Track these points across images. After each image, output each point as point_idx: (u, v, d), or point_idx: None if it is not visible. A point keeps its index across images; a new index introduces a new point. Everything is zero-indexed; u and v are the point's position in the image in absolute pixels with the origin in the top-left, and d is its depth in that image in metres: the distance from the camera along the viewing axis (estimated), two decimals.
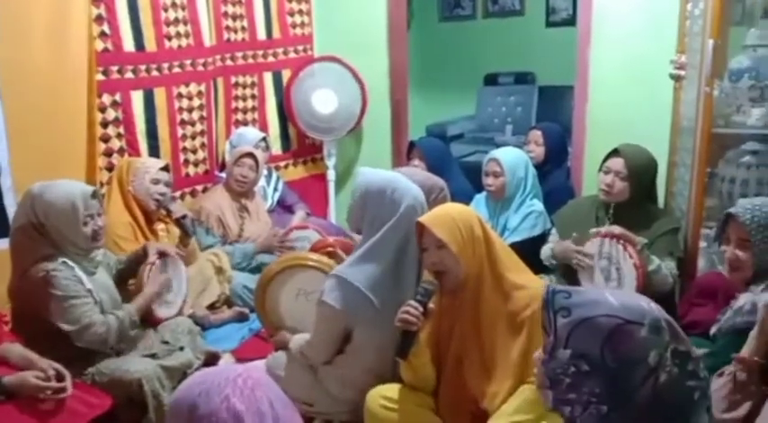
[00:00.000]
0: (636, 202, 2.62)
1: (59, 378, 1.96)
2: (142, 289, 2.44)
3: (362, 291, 2.00)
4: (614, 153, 2.66)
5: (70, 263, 2.18)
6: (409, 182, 2.14)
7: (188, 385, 1.03)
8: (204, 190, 3.57)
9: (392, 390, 1.95)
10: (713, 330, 2.05)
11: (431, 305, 1.79)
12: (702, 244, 2.82)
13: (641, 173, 2.60)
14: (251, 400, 0.98)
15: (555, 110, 5.32)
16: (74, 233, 2.19)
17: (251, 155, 3.38)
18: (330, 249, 2.57)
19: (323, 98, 3.95)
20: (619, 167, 2.61)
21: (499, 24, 6.24)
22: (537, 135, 3.45)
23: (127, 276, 2.55)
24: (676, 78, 2.81)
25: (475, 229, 1.85)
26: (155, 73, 3.25)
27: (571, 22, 5.45)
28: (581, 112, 3.53)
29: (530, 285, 1.85)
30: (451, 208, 1.94)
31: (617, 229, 2.44)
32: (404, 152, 4.14)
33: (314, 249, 2.68)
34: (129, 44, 3.10)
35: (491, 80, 6.31)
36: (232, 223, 3.36)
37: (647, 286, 2.38)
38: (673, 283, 2.53)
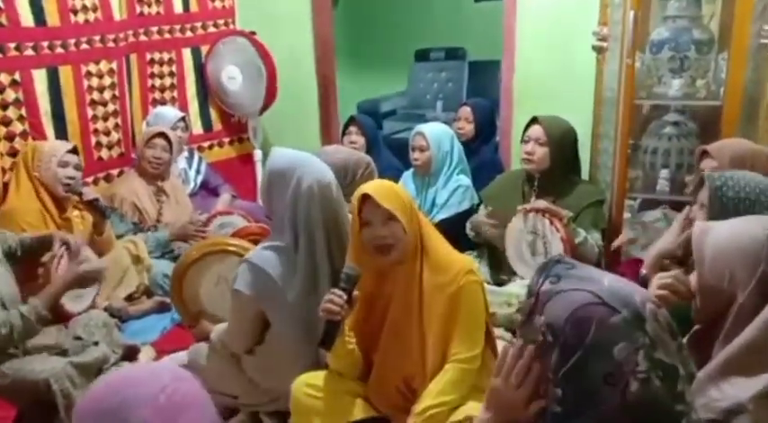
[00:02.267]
0: (558, 171, 2.63)
1: None
2: (50, 282, 2.27)
3: (271, 276, 1.91)
4: (532, 121, 2.69)
5: None
6: (318, 163, 2.04)
7: (99, 393, 0.85)
8: (120, 174, 3.38)
9: (317, 377, 1.88)
10: None
11: (355, 292, 1.71)
12: (626, 215, 2.87)
13: (559, 138, 2.61)
14: None
15: (485, 85, 5.32)
16: None
17: (163, 135, 3.21)
18: (254, 237, 2.46)
19: (230, 75, 3.82)
20: (537, 134, 2.63)
21: None
22: (467, 112, 3.43)
23: (32, 258, 2.35)
24: (599, 50, 2.82)
25: (412, 202, 1.81)
26: (59, 50, 3.02)
27: None
28: (508, 86, 3.51)
29: (454, 259, 1.82)
30: (387, 182, 1.88)
31: (542, 204, 2.45)
32: (333, 129, 4.07)
33: (237, 236, 2.57)
34: (27, 19, 2.87)
35: (422, 56, 6.24)
36: (149, 208, 3.20)
37: (574, 258, 2.39)
38: (598, 255, 2.56)
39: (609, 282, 0.99)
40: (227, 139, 4.10)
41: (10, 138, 2.84)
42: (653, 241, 2.88)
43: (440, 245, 1.84)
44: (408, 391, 1.83)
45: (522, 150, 2.69)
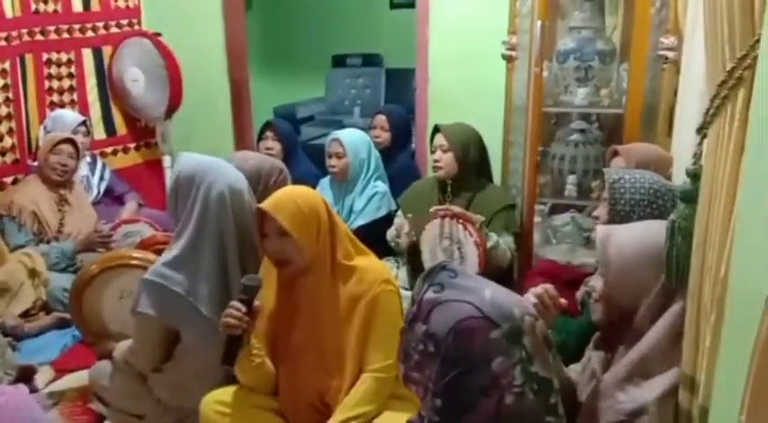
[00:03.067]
0: (467, 175, 2.67)
1: None
2: None
3: (181, 294, 1.83)
4: (435, 131, 2.72)
5: None
6: (229, 168, 1.98)
7: None
8: (14, 182, 3.14)
9: (227, 393, 1.81)
10: (580, 294, 2.10)
11: (256, 302, 1.65)
12: (537, 219, 2.95)
13: (462, 144, 2.65)
14: None
15: (402, 92, 5.35)
16: None
17: (70, 141, 3.03)
18: (159, 247, 2.35)
19: (133, 77, 3.66)
20: (441, 141, 2.67)
21: (344, 3, 6.15)
22: (382, 120, 3.41)
23: None
24: (508, 59, 2.88)
25: (320, 213, 1.74)
26: None
27: (413, 4, 5.48)
28: (423, 93, 3.54)
29: (370, 268, 1.78)
30: (295, 192, 1.80)
31: (456, 209, 2.47)
32: (247, 134, 3.98)
33: (142, 247, 2.45)
34: None
35: (339, 61, 6.22)
36: (50, 218, 3.00)
37: (488, 263, 2.43)
38: (511, 258, 2.61)
39: (491, 293, 0.99)
40: (132, 145, 3.90)
41: None
42: (562, 243, 3.00)
43: (355, 254, 1.81)
44: (323, 406, 1.79)
45: (431, 159, 2.72)
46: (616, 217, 1.77)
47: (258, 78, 4.34)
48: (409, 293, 2.30)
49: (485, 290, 1.00)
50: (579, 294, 2.12)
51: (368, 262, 1.82)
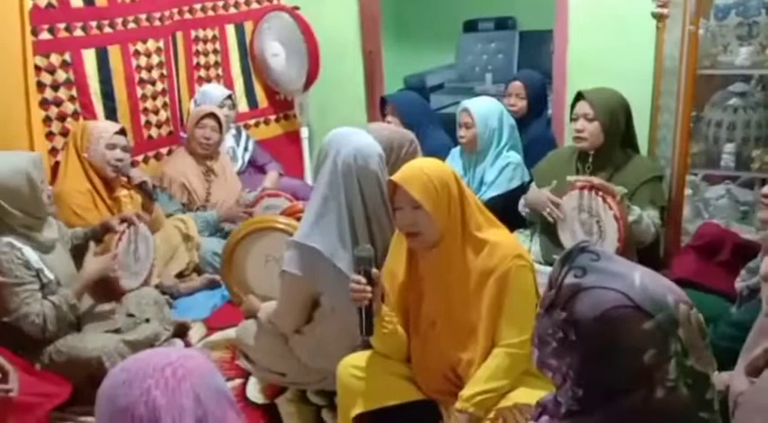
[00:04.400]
0: (613, 147, 2.50)
1: (3, 374, 1.81)
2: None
3: (322, 253, 1.90)
4: (578, 98, 2.55)
5: (17, 243, 2.05)
6: (362, 136, 2.01)
7: (115, 372, 0.93)
8: (169, 152, 3.41)
9: (363, 358, 1.85)
10: (740, 286, 1.93)
11: (374, 271, 1.67)
12: (688, 191, 2.73)
13: (609, 112, 2.47)
14: (175, 393, 0.87)
15: (536, 56, 5.14)
16: (31, 204, 2.08)
17: (213, 115, 3.21)
18: (301, 214, 2.45)
19: (273, 52, 3.78)
20: (585, 110, 2.49)
21: None
22: (518, 87, 3.26)
23: (82, 251, 2.41)
24: (659, 17, 2.66)
25: (450, 186, 1.73)
26: (107, 29, 3.05)
27: None
28: (561, 56, 3.38)
29: (502, 243, 1.74)
30: (425, 164, 1.80)
31: (595, 180, 2.34)
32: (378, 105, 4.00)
33: (285, 214, 2.57)
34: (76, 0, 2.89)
35: (470, 26, 6.07)
36: (198, 188, 3.22)
37: (628, 238, 2.29)
38: (656, 234, 2.44)
39: (640, 279, 0.92)
40: (273, 117, 4.09)
41: (61, 118, 2.89)
42: (715, 218, 2.76)
43: (487, 227, 1.77)
44: (455, 377, 1.79)
45: (572, 128, 2.56)
46: None
47: (389, 48, 4.35)
48: (543, 268, 2.25)
49: (633, 275, 0.92)
50: (739, 285, 1.92)
51: (499, 235, 1.78)
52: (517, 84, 3.28)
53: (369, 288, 1.64)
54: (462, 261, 1.74)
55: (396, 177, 1.72)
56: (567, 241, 2.49)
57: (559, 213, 2.46)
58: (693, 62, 2.46)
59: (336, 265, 1.91)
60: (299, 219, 2.40)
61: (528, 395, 1.67)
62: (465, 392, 1.68)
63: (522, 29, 5.81)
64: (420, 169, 1.74)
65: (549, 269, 2.46)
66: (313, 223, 1.96)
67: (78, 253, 2.39)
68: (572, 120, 2.56)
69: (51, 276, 2.11)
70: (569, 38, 3.30)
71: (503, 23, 5.92)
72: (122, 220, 2.45)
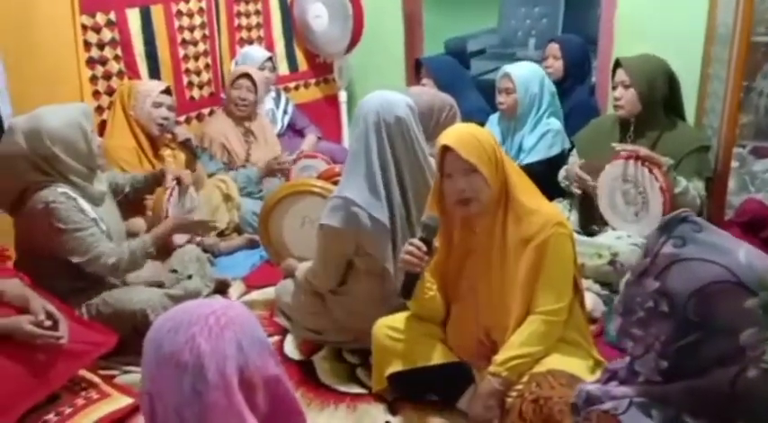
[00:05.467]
0: (653, 115, 2.45)
1: (54, 322, 1.88)
2: (159, 215, 2.41)
3: (358, 203, 1.93)
4: (616, 65, 2.50)
5: (71, 193, 2.12)
6: (384, 97, 2.01)
7: (161, 321, 0.97)
8: (210, 113, 3.45)
9: (398, 320, 1.89)
10: None
11: (435, 243, 1.67)
12: (734, 164, 2.65)
13: (647, 79, 2.41)
14: (218, 340, 0.90)
15: (583, 21, 5.01)
16: (85, 154, 2.14)
17: (247, 75, 3.23)
18: (337, 178, 2.47)
19: (316, 13, 3.76)
20: (622, 77, 2.45)
21: None
22: (554, 49, 3.22)
23: (142, 195, 2.53)
24: None
25: (497, 150, 1.72)
26: None
27: None
28: (608, 21, 3.28)
29: (542, 210, 1.73)
30: (472, 128, 1.78)
31: (642, 151, 2.29)
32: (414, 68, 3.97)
33: (322, 178, 2.59)
34: None
35: None
36: (238, 148, 3.27)
37: (673, 210, 2.25)
38: (700, 206, 2.39)
39: (745, 255, 0.88)
40: (312, 80, 4.09)
41: (107, 77, 2.94)
42: (762, 192, 2.68)
43: (527, 194, 1.76)
44: (488, 342, 1.81)
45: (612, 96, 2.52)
46: None
47: (430, 11, 4.28)
48: (581, 238, 2.22)
49: (738, 250, 0.89)
50: None
51: (540, 203, 1.77)
52: (554, 45, 3.25)
53: (426, 258, 1.66)
54: (503, 227, 1.73)
55: (447, 140, 1.68)
56: (606, 210, 2.46)
57: (591, 183, 2.45)
58: (747, 28, 2.37)
59: (372, 214, 1.93)
60: (335, 182, 2.43)
61: (562, 362, 1.68)
62: (499, 357, 1.71)
63: None
64: (470, 133, 1.72)
65: (585, 239, 2.46)
66: (347, 178, 1.99)
67: (136, 198, 2.51)
68: (612, 87, 2.52)
69: (104, 227, 2.18)
70: (617, 3, 3.20)
71: None
72: (175, 178, 2.50)
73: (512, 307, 1.74)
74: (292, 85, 3.97)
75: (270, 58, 3.51)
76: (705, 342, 0.87)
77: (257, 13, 3.72)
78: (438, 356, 1.83)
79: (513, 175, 1.76)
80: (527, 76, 2.89)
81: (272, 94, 3.61)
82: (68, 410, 1.92)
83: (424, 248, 1.65)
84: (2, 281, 1.96)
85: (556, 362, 1.68)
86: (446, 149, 1.68)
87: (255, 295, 2.64)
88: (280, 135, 3.55)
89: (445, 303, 1.87)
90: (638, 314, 0.93)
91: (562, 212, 2.41)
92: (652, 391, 0.93)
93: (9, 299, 1.91)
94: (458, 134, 1.72)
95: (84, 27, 2.80)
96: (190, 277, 2.45)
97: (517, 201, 1.73)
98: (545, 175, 2.61)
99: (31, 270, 2.10)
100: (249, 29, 3.70)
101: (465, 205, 1.71)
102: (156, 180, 2.51)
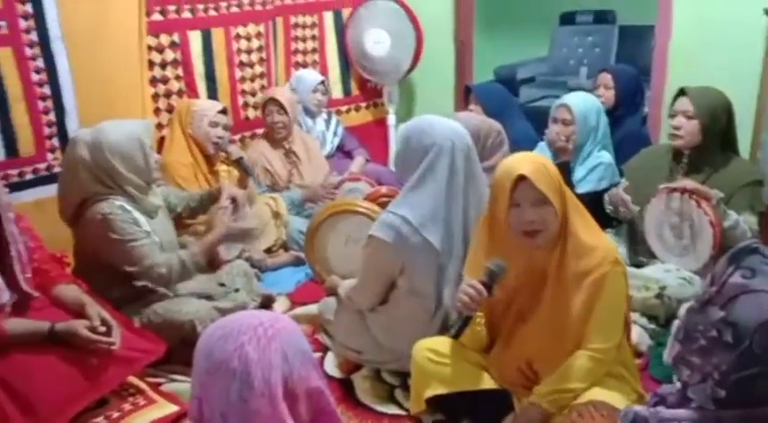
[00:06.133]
0: (711, 148, 2.40)
1: (108, 328, 1.96)
2: (212, 230, 2.48)
3: (415, 226, 1.94)
4: (680, 94, 2.45)
5: (127, 206, 2.21)
6: (443, 123, 2.04)
7: (211, 329, 1.02)
8: (263, 134, 3.55)
9: (439, 342, 1.89)
10: None
11: (495, 289, 1.66)
12: None
13: (711, 111, 2.36)
14: (265, 350, 0.95)
15: (636, 51, 4.96)
16: (142, 168, 2.24)
17: (273, 100, 3.28)
18: (384, 199, 2.51)
19: (375, 39, 3.81)
20: (685, 107, 2.39)
21: None
22: (606, 78, 3.20)
23: (196, 215, 2.62)
24: None
25: (561, 181, 1.71)
26: (212, 12, 3.20)
27: None
28: (662, 52, 3.26)
29: (600, 246, 1.70)
30: (540, 157, 1.77)
31: (689, 184, 2.25)
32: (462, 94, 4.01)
33: (369, 199, 2.64)
34: None
35: (568, 19, 5.93)
36: (280, 170, 3.33)
37: (723, 244, 2.20)
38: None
39: None
40: (363, 104, 4.17)
41: (167, 95, 3.08)
42: None
43: (585, 227, 1.73)
44: (529, 372, 1.79)
45: (669, 124, 2.47)
46: None
47: (481, 38, 4.32)
48: (630, 269, 2.19)
49: None
50: None
51: (597, 237, 1.74)
52: (606, 75, 3.22)
53: (484, 302, 1.65)
54: (560, 260, 1.70)
55: (523, 170, 1.63)
56: (654, 242, 2.42)
57: (631, 208, 2.43)
58: None
59: (424, 235, 1.95)
60: (380, 203, 2.47)
61: (605, 394, 1.66)
62: (542, 388, 1.69)
63: (623, 23, 5.62)
64: (541, 163, 1.69)
65: (633, 271, 2.41)
66: (406, 196, 2.01)
67: (191, 216, 2.61)
68: (670, 115, 2.48)
69: (157, 239, 2.26)
70: (672, 33, 3.17)
71: (602, 17, 5.75)
72: (230, 197, 2.54)
73: (559, 341, 1.72)
74: (344, 108, 4.05)
75: (322, 82, 3.60)
76: (766, 376, 0.87)
77: (313, 38, 3.83)
78: (478, 382, 1.83)
79: (573, 207, 1.73)
80: (586, 107, 2.85)
81: (324, 116, 3.69)
82: (116, 415, 1.99)
83: (485, 294, 1.64)
84: (61, 286, 2.06)
85: (599, 394, 1.66)
86: (520, 179, 1.65)
87: (299, 311, 2.68)
88: (329, 156, 3.62)
89: (490, 332, 1.86)
90: (700, 342, 0.93)
91: (617, 249, 2.39)
92: (705, 416, 0.93)
93: (68, 304, 2.00)
94: (531, 163, 1.67)
95: (149, 47, 2.95)
96: (237, 291, 2.51)
97: (575, 235, 1.70)
98: (592, 209, 2.58)
99: (87, 277, 2.19)
100: (305, 53, 3.81)
101: (532, 237, 1.67)
102: (212, 199, 2.58)
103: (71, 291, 2.06)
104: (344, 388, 2.18)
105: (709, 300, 0.93)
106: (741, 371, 0.88)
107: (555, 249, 1.70)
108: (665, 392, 1.01)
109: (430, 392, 1.85)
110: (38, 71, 2.58)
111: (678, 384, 1.00)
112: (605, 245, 1.73)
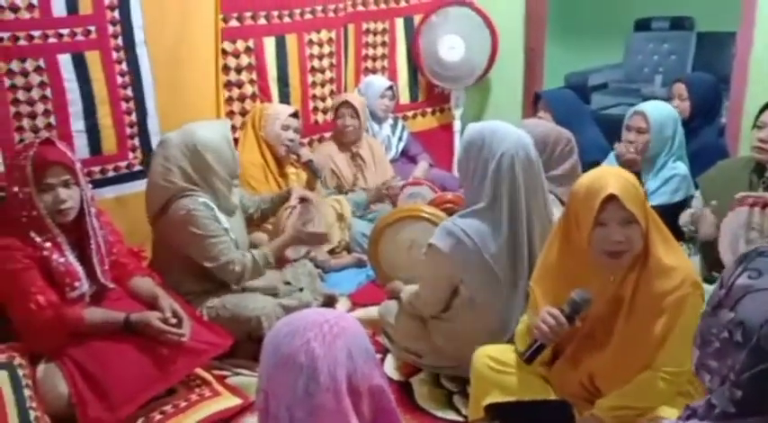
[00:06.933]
0: None
1: (178, 320, 2.05)
2: (279, 229, 2.56)
3: (471, 237, 1.95)
4: (767, 106, 2.34)
5: (210, 203, 2.31)
6: (510, 130, 2.02)
7: (279, 325, 1.05)
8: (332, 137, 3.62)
9: (500, 351, 1.87)
10: None
11: (577, 321, 1.62)
12: None
13: None
14: (331, 347, 0.97)
15: (714, 59, 4.79)
16: (231, 163, 2.36)
17: (347, 103, 3.34)
18: (449, 205, 2.52)
19: (450, 45, 3.81)
20: None
21: None
22: (681, 88, 3.10)
23: (269, 216, 2.71)
24: None
25: (645, 198, 1.67)
26: (287, 19, 3.29)
27: None
28: (743, 61, 3.13)
29: (680, 267, 1.64)
30: (626, 174, 1.68)
31: None
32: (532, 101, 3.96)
33: (434, 204, 2.65)
34: None
35: (643, 25, 5.77)
36: (346, 173, 3.39)
37: None
38: None
39: None
40: (429, 109, 4.18)
41: (242, 99, 3.19)
42: None
43: (664, 246, 1.66)
44: (591, 387, 1.75)
45: (752, 137, 2.37)
46: None
47: (552, 44, 4.26)
48: (704, 285, 2.12)
49: None
50: None
51: (676, 255, 1.68)
52: (681, 85, 3.12)
53: (563, 333, 1.62)
54: (638, 280, 1.65)
55: (613, 189, 1.56)
56: (729, 258, 2.32)
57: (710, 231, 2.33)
58: None
59: (481, 249, 1.95)
60: (445, 209, 2.48)
61: (668, 412, 1.61)
62: (606, 402, 1.66)
63: (701, 30, 5.42)
64: (629, 181, 1.63)
65: (706, 287, 2.32)
66: (469, 211, 2.01)
67: (262, 219, 2.70)
68: (756, 126, 2.37)
69: (233, 237, 2.35)
70: (754, 41, 3.05)
71: (679, 23, 5.56)
72: (300, 198, 2.63)
73: (628, 360, 1.67)
74: (411, 113, 4.08)
75: (390, 87, 3.64)
76: None
77: (384, 44, 3.87)
78: (539, 392, 1.80)
79: (653, 224, 1.67)
80: (663, 116, 2.78)
81: (390, 121, 3.73)
82: (183, 404, 2.07)
83: (566, 326, 1.60)
84: (137, 279, 2.18)
85: (662, 411, 1.61)
86: (610, 198, 1.59)
87: (360, 313, 2.72)
88: (393, 161, 3.65)
89: (554, 347, 1.80)
90: (714, 345, 0.93)
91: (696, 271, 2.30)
92: None
93: (143, 296, 2.11)
94: (620, 181, 1.60)
95: (225, 52, 3.06)
96: (301, 290, 2.58)
97: (655, 255, 1.64)
98: (665, 221, 2.51)
99: (162, 271, 2.30)
100: (375, 59, 3.86)
101: (617, 258, 1.61)
102: (282, 200, 2.67)
103: (146, 283, 2.17)
104: (403, 391, 2.20)
105: (720, 303, 0.94)
106: (753, 368, 0.88)
107: (634, 268, 1.64)
108: (696, 405, 1.00)
109: (489, 400, 1.83)
110: (122, 74, 2.73)
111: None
112: (685, 265, 1.66)
